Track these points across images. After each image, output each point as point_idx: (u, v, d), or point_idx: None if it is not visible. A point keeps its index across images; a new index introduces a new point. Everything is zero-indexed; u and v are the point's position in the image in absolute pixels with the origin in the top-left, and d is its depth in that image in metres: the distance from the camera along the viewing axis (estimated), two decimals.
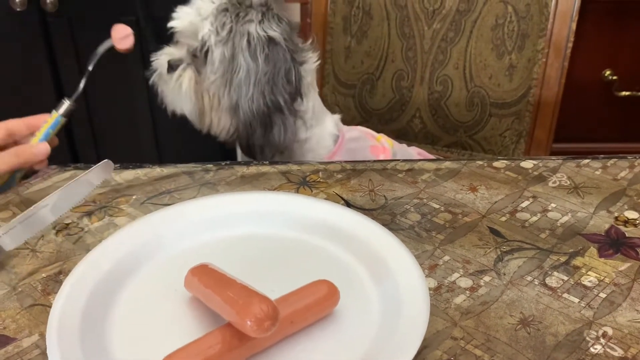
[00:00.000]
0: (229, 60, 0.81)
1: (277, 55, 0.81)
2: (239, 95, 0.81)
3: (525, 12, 1.09)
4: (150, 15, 1.36)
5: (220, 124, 0.85)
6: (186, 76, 0.85)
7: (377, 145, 0.91)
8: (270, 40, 0.81)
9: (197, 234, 0.59)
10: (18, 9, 1.34)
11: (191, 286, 0.51)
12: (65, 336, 0.46)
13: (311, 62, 0.86)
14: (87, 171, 0.61)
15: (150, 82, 0.91)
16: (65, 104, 0.73)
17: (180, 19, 0.85)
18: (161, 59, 0.89)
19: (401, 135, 1.21)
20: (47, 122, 0.71)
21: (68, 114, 0.73)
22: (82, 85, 0.77)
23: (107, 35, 1.54)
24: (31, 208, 0.58)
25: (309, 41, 0.87)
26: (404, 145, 1.01)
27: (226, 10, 0.82)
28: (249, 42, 0.81)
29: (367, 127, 1.18)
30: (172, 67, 0.86)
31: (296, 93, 0.83)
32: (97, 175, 0.62)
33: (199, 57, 0.84)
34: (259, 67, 0.81)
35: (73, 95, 0.75)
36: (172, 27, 0.87)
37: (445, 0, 1.12)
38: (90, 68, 0.78)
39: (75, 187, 0.60)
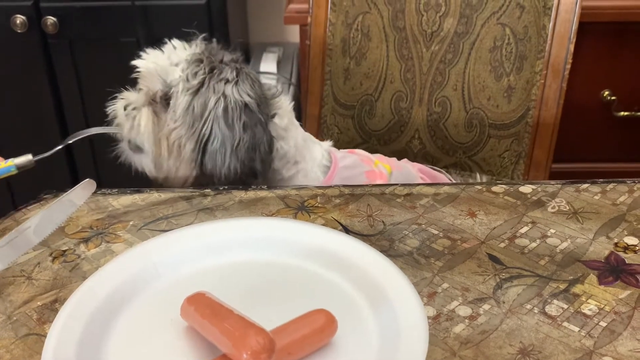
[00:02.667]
0: (199, 115, 0.78)
1: (253, 124, 0.79)
2: (214, 164, 0.79)
3: (523, 34, 1.10)
4: (151, 37, 1.37)
5: (178, 172, 0.82)
6: (143, 115, 0.82)
7: (374, 170, 0.90)
8: (246, 106, 0.79)
9: (194, 261, 0.59)
10: (19, 31, 1.35)
11: (187, 315, 0.51)
12: None
13: (285, 105, 0.85)
14: (69, 191, 0.62)
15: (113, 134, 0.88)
16: (26, 158, 0.70)
17: (146, 61, 0.83)
18: (117, 104, 0.86)
19: (400, 156, 1.20)
20: None
21: (21, 169, 0.70)
22: (52, 152, 0.76)
23: (107, 56, 1.55)
24: (13, 231, 0.58)
25: (277, 85, 0.87)
26: (404, 161, 1.01)
27: (200, 61, 0.80)
28: (225, 109, 0.78)
29: (366, 147, 1.19)
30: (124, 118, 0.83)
31: (270, 160, 0.83)
32: (79, 195, 0.62)
33: (158, 102, 0.81)
34: (236, 135, 0.78)
35: (38, 156, 0.73)
36: (136, 68, 0.84)
37: (444, 23, 1.12)
38: (69, 142, 0.78)
39: (58, 208, 0.61)
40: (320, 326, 0.49)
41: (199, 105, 0.78)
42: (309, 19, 1.19)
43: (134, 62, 0.84)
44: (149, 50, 0.84)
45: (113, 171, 1.52)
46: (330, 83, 1.22)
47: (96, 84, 1.43)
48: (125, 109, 0.83)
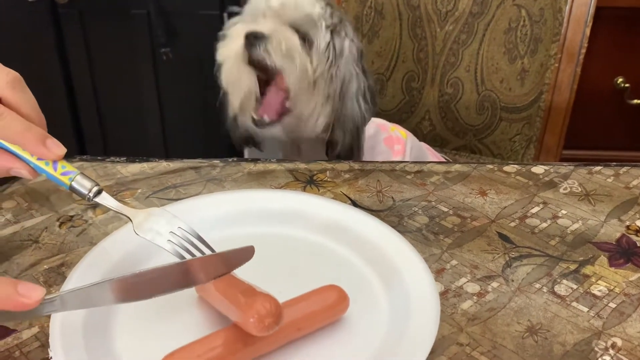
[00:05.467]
0: (338, 55, 0.79)
1: (368, 70, 0.82)
2: (352, 106, 0.81)
3: (539, 16, 1.08)
4: (161, 9, 1.36)
5: (313, 119, 0.82)
6: (290, 36, 0.77)
7: (391, 135, 0.91)
8: (361, 53, 0.82)
9: (203, 232, 0.58)
10: None
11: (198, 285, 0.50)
12: (68, 331, 0.45)
13: None
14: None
15: (220, 60, 0.82)
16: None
17: None
18: (234, 35, 0.79)
19: None
20: None
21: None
22: None
23: (118, 27, 1.53)
24: (96, 281, 0.42)
25: None
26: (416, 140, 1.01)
27: (330, 5, 0.80)
28: (358, 53, 0.80)
29: None
30: (253, 41, 0.77)
31: None
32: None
33: (298, 32, 0.78)
34: (365, 78, 0.81)
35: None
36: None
37: (459, 2, 1.11)
38: None
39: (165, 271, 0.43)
40: (331, 303, 0.48)
41: (338, 45, 0.78)
42: None
43: None
44: None
45: (120, 141, 1.52)
46: None
47: (106, 54, 1.43)
48: (253, 36, 0.77)
